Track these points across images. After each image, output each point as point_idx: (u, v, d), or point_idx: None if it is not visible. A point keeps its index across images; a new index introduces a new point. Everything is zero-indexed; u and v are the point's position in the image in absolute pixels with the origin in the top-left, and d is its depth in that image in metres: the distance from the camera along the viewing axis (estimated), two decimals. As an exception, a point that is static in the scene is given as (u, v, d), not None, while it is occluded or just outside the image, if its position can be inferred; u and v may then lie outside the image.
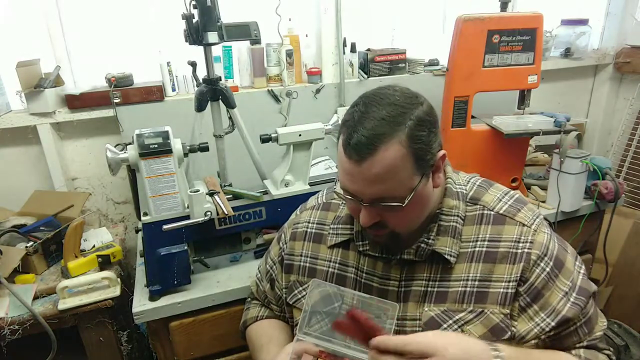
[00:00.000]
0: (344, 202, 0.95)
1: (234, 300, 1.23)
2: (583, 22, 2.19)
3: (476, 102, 1.53)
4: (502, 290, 0.78)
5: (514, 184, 1.63)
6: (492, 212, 0.82)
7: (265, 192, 1.32)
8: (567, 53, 2.26)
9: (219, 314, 1.24)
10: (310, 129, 1.28)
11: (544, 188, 1.65)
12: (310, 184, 1.34)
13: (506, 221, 0.81)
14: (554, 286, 0.78)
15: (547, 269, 0.78)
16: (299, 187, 1.32)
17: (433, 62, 2.00)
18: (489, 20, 1.45)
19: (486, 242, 0.80)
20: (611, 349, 0.85)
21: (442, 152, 0.76)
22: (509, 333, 0.77)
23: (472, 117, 1.57)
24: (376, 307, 0.76)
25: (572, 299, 0.78)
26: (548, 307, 0.78)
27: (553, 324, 0.77)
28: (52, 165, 1.61)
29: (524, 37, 1.48)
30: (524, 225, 0.80)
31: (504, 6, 1.56)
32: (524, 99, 1.61)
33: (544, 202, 1.61)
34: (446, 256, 0.80)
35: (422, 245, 0.81)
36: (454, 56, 1.50)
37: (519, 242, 0.79)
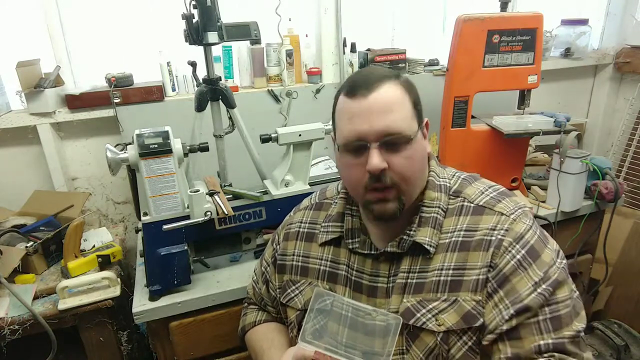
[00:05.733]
0: (335, 201, 0.95)
1: (234, 300, 1.23)
2: (583, 22, 2.19)
3: (476, 102, 1.53)
4: (474, 277, 0.77)
5: (514, 184, 1.63)
6: (472, 204, 0.82)
7: (265, 192, 1.32)
8: (567, 53, 2.26)
9: (219, 314, 1.24)
10: (310, 129, 1.28)
11: (544, 188, 1.64)
12: (310, 184, 1.34)
13: (485, 212, 0.81)
14: (524, 274, 0.75)
15: (518, 257, 0.76)
16: (299, 187, 1.32)
17: (433, 62, 2.00)
18: (489, 20, 1.45)
19: (463, 232, 0.80)
20: (588, 351, 0.76)
21: (426, 119, 0.83)
22: (481, 320, 0.76)
23: (472, 117, 1.57)
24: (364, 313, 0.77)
25: (539, 290, 0.74)
26: (514, 295, 0.74)
27: (512, 311, 0.73)
28: (52, 165, 1.61)
29: (524, 37, 1.48)
30: (502, 214, 0.80)
31: (504, 6, 1.56)
32: (524, 99, 1.61)
33: (544, 202, 1.61)
34: (426, 246, 0.80)
35: (404, 237, 0.82)
36: (454, 56, 1.50)
37: (494, 229, 0.78)
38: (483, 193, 0.84)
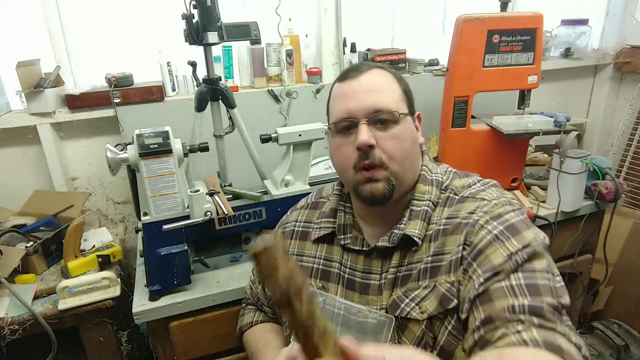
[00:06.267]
0: (329, 199, 0.96)
1: (234, 300, 1.23)
2: (583, 22, 2.19)
3: (476, 102, 1.53)
4: (449, 259, 0.76)
5: (514, 184, 1.63)
6: (457, 197, 0.82)
7: (265, 192, 1.32)
8: (567, 53, 2.26)
9: (219, 314, 1.24)
10: (310, 129, 1.28)
11: (544, 188, 1.65)
12: (310, 184, 1.34)
13: (467, 200, 0.81)
14: (499, 245, 0.70)
15: (495, 232, 0.72)
16: (299, 187, 1.32)
17: (433, 62, 2.00)
18: (489, 20, 1.45)
19: (444, 220, 0.80)
20: (569, 324, 0.65)
21: (418, 112, 0.88)
22: (455, 302, 0.73)
23: (472, 117, 1.57)
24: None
25: (514, 258, 0.68)
26: (486, 264, 0.69)
27: (482, 279, 0.69)
28: (52, 165, 1.61)
29: (524, 37, 1.48)
30: (484, 199, 0.79)
31: (504, 6, 1.56)
32: (524, 99, 1.61)
33: (544, 202, 1.61)
34: (415, 238, 0.80)
35: (395, 231, 0.82)
36: (454, 56, 1.50)
37: (473, 212, 0.77)
38: (470, 186, 0.84)
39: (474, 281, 0.70)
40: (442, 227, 0.80)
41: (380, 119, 0.79)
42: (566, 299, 0.68)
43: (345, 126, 0.81)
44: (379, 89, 0.80)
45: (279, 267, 0.42)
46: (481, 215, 0.75)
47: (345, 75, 0.84)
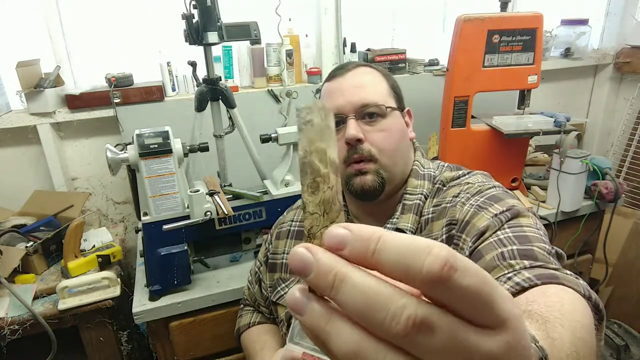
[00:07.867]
0: None
1: (234, 300, 1.23)
2: (583, 22, 2.19)
3: (476, 102, 1.53)
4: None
5: (514, 184, 1.63)
6: (444, 187, 0.84)
7: (265, 192, 1.32)
8: (567, 53, 2.26)
9: (219, 314, 1.24)
10: (310, 129, 1.28)
11: (544, 188, 1.65)
12: (310, 184, 1.33)
13: (453, 187, 0.81)
14: (484, 212, 0.70)
15: (477, 203, 0.72)
16: (299, 187, 1.31)
17: (433, 62, 2.00)
18: (489, 20, 1.45)
19: (431, 209, 0.81)
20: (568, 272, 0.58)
21: (407, 108, 0.90)
22: None
23: (472, 117, 1.57)
24: None
25: (500, 217, 0.68)
26: (474, 231, 0.69)
27: (470, 243, 0.68)
28: (52, 165, 1.61)
29: (524, 37, 1.48)
30: (468, 183, 0.79)
31: (504, 6, 1.56)
32: (524, 99, 1.61)
33: (544, 202, 1.61)
34: (407, 232, 0.80)
35: (388, 225, 0.83)
36: (454, 56, 1.50)
37: (456, 196, 0.78)
38: (459, 177, 0.84)
39: (464, 250, 0.70)
40: (429, 215, 0.81)
41: (368, 113, 0.80)
42: (561, 251, 0.67)
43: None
44: (365, 85, 0.82)
45: (332, 126, 0.35)
46: (463, 196, 0.77)
47: (333, 74, 0.86)
